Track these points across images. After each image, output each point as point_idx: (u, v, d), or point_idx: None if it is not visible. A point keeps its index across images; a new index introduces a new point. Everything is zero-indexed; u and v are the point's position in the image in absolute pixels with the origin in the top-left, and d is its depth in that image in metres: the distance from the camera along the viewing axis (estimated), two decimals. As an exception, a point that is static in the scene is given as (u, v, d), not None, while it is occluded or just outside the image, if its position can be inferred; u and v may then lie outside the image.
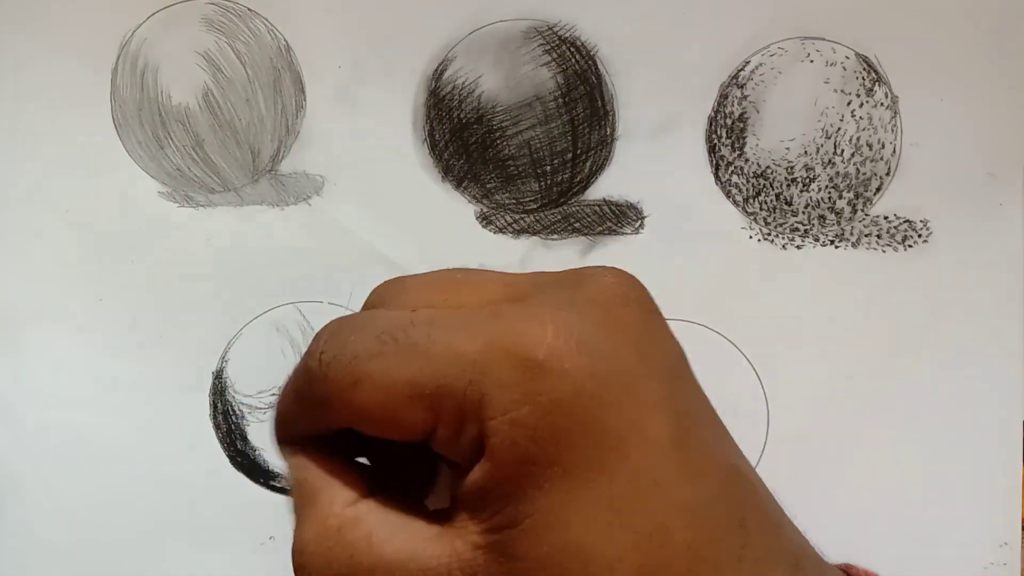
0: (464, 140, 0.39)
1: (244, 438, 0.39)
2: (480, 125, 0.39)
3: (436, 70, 0.39)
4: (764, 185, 0.39)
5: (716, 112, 0.39)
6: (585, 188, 0.40)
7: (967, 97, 0.38)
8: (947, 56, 0.38)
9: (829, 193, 0.39)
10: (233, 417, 0.39)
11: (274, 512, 0.38)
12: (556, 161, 0.39)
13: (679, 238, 0.39)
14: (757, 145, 0.39)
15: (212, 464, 0.38)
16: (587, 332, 0.19)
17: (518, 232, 0.40)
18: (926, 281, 0.39)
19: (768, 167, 0.39)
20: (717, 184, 0.39)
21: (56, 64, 0.39)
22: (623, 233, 0.39)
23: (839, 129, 0.39)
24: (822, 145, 0.39)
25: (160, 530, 0.38)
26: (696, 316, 0.39)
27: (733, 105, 0.39)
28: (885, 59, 0.39)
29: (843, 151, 0.39)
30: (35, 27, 0.39)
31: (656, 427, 0.19)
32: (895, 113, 0.39)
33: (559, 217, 0.40)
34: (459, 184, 0.40)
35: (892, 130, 0.39)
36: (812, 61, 0.39)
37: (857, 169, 0.39)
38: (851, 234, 0.39)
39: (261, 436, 0.39)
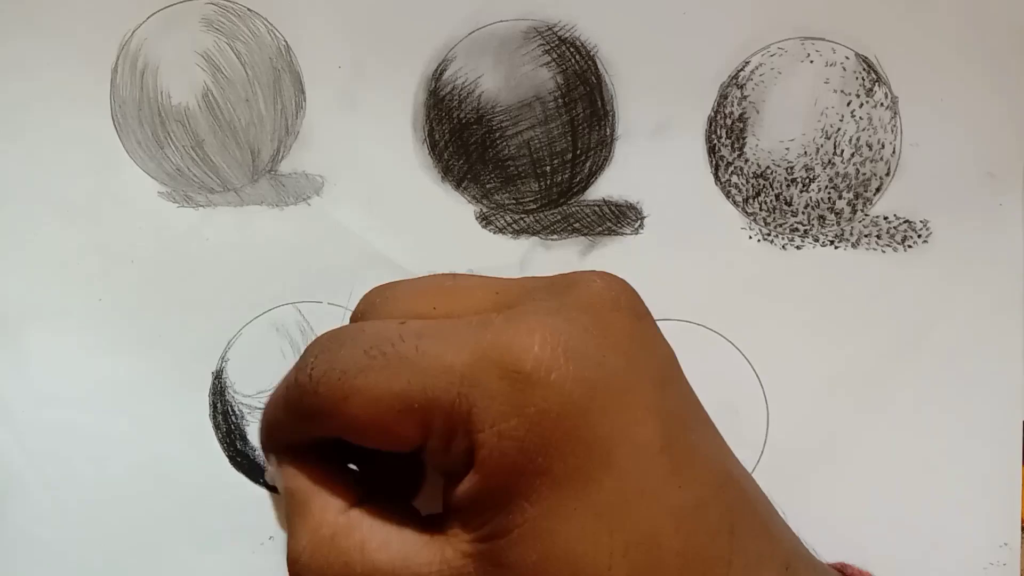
0: (464, 140, 0.39)
1: (244, 438, 0.39)
2: (480, 125, 0.39)
3: (436, 70, 0.39)
4: (764, 185, 0.39)
5: (716, 112, 0.39)
6: (585, 188, 0.40)
7: (967, 97, 0.38)
8: (947, 56, 0.38)
9: (829, 193, 0.39)
10: (233, 417, 0.39)
11: (274, 513, 0.38)
12: (556, 161, 0.39)
13: (679, 238, 0.39)
14: (757, 145, 0.39)
15: (212, 464, 0.38)
16: (575, 339, 0.19)
17: (518, 232, 0.40)
18: (926, 281, 0.39)
19: (768, 167, 0.39)
20: (717, 184, 0.39)
21: (56, 64, 0.39)
22: (623, 233, 0.40)
23: (839, 129, 0.39)
24: (822, 145, 0.39)
25: (159, 530, 0.38)
26: (696, 316, 0.39)
27: (733, 105, 0.39)
28: (885, 59, 0.39)
29: (843, 151, 0.39)
30: (35, 27, 0.39)
31: (645, 433, 0.19)
32: (895, 113, 0.39)
33: (559, 217, 0.40)
34: (459, 184, 0.40)
35: (892, 130, 0.39)
36: (812, 61, 0.39)
37: (857, 169, 0.39)
38: (851, 234, 0.39)
39: (261, 436, 0.39)
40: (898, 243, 0.39)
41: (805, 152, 0.39)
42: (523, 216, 0.40)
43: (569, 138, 0.39)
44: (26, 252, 0.39)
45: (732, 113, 0.39)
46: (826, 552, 0.36)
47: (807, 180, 0.39)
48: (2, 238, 0.39)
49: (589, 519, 0.18)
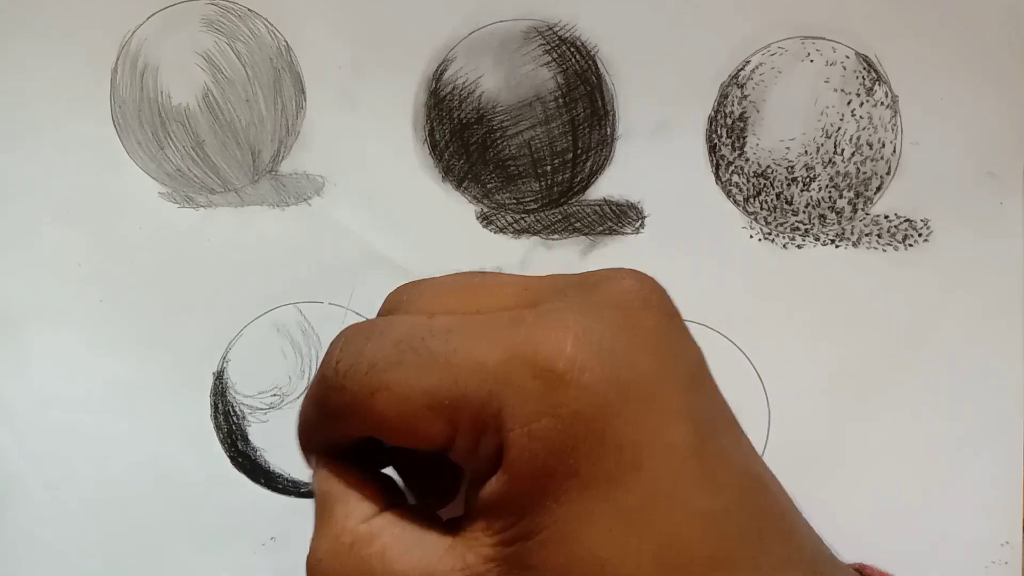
0: (464, 140, 0.39)
1: (245, 439, 0.39)
2: (480, 125, 0.39)
3: (436, 70, 0.39)
4: (764, 184, 0.39)
5: (716, 112, 0.39)
6: (585, 188, 0.40)
7: (967, 96, 0.38)
8: (947, 56, 0.38)
9: (829, 192, 0.39)
10: (234, 418, 0.39)
11: (275, 513, 0.38)
12: (556, 161, 0.39)
13: (680, 238, 0.39)
14: (757, 145, 0.39)
15: (213, 465, 0.38)
16: (607, 339, 0.19)
17: (518, 232, 0.40)
18: (927, 280, 0.39)
19: (768, 166, 0.39)
20: (717, 184, 0.39)
21: (56, 64, 0.39)
22: (623, 233, 0.39)
23: (839, 128, 0.39)
24: (822, 144, 0.39)
25: (161, 531, 0.38)
26: (697, 315, 0.39)
27: (733, 105, 0.39)
28: (885, 58, 0.39)
29: (843, 150, 0.39)
30: (35, 27, 0.39)
31: (675, 436, 0.19)
32: (895, 112, 0.39)
33: (559, 217, 0.40)
34: (459, 184, 0.40)
35: (892, 129, 0.39)
36: (812, 60, 0.39)
37: (857, 168, 0.39)
38: (852, 233, 0.39)
39: (262, 437, 0.39)
40: (899, 242, 0.39)
41: (806, 151, 0.39)
42: (524, 216, 0.40)
43: (570, 138, 0.39)
44: (27, 253, 0.39)
45: (732, 112, 0.39)
46: (828, 551, 0.36)
47: (808, 179, 0.39)
48: (3, 239, 0.39)
49: (617, 522, 0.18)
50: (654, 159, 0.39)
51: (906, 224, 0.39)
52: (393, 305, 0.24)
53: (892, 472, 0.38)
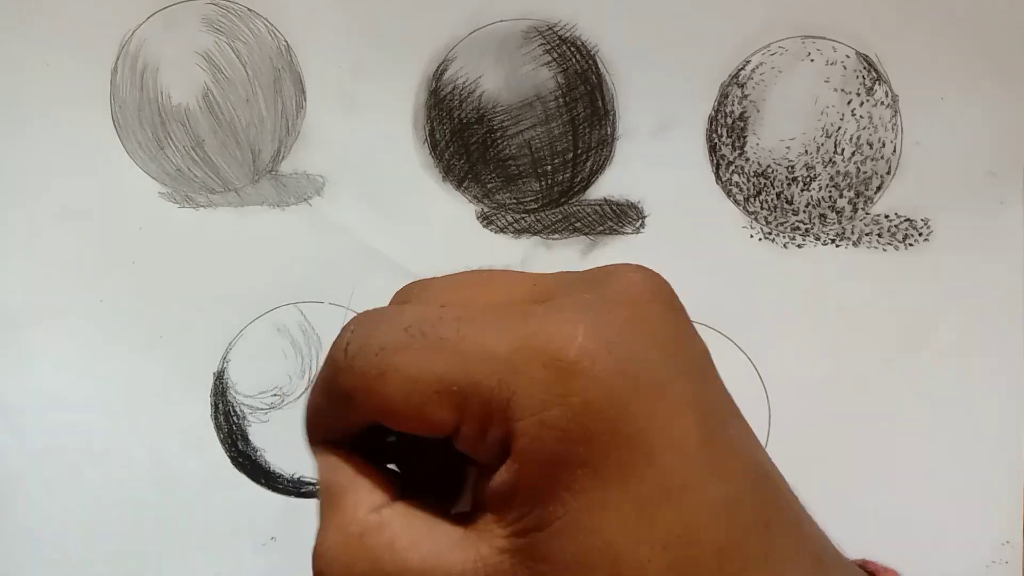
0: (465, 140, 0.39)
1: (245, 439, 0.39)
2: (481, 125, 0.39)
3: (436, 70, 0.39)
4: (765, 184, 0.39)
5: (716, 111, 0.39)
6: (586, 188, 0.39)
7: (967, 96, 0.38)
8: (947, 55, 0.38)
9: (830, 192, 0.39)
10: (234, 418, 0.39)
11: (276, 513, 0.38)
12: (557, 161, 0.39)
13: (680, 237, 0.39)
14: (758, 144, 0.39)
15: (213, 465, 0.38)
16: (616, 332, 0.19)
17: (519, 232, 0.40)
18: (927, 280, 0.39)
19: (769, 166, 0.39)
20: (718, 183, 0.39)
21: (56, 64, 0.39)
22: (624, 233, 0.39)
23: (839, 128, 0.39)
24: (823, 144, 0.39)
25: (161, 531, 0.38)
26: (697, 315, 0.38)
27: (733, 104, 0.39)
28: (885, 58, 0.39)
29: (844, 150, 0.39)
30: (35, 27, 0.39)
31: (684, 427, 0.19)
32: (895, 112, 0.39)
33: (560, 217, 0.40)
34: (460, 184, 0.40)
35: (893, 129, 0.39)
36: (812, 60, 0.39)
37: (858, 168, 0.39)
38: (852, 233, 0.39)
39: (262, 437, 0.39)
40: (899, 241, 0.39)
41: (806, 151, 0.39)
42: (524, 216, 0.40)
43: (570, 138, 0.39)
44: (27, 253, 0.39)
45: (733, 112, 0.39)
46: (828, 551, 0.36)
47: (808, 179, 0.39)
48: (3, 239, 0.39)
49: (629, 512, 0.18)
50: (654, 159, 0.39)
51: (906, 224, 0.39)
52: (403, 298, 0.24)
53: (892, 472, 0.38)
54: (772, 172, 0.39)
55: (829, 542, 0.22)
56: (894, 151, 0.39)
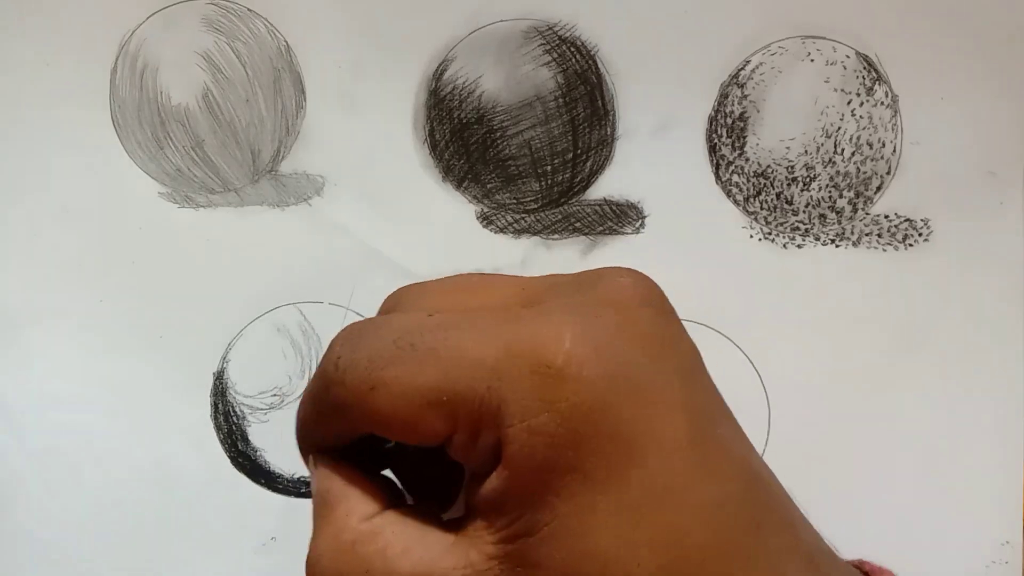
0: (465, 140, 0.39)
1: (245, 439, 0.39)
2: (480, 125, 0.39)
3: (436, 70, 0.39)
4: (765, 184, 0.39)
5: (716, 111, 0.39)
6: (586, 188, 0.40)
7: (967, 96, 0.38)
8: (947, 55, 0.38)
9: (830, 192, 0.39)
10: (234, 418, 0.39)
11: (276, 513, 0.38)
12: (556, 161, 0.39)
13: (680, 237, 0.39)
14: (757, 144, 0.39)
15: (213, 465, 0.38)
16: (604, 336, 0.19)
17: (519, 232, 0.40)
18: (927, 280, 0.39)
19: (768, 166, 0.39)
20: (718, 183, 0.39)
21: (56, 64, 0.39)
22: (624, 233, 0.39)
23: (839, 128, 0.39)
24: (822, 144, 0.39)
25: (161, 531, 0.38)
26: (697, 315, 0.39)
27: (733, 104, 0.39)
28: (885, 58, 0.39)
29: (843, 150, 0.39)
30: (34, 27, 0.39)
31: (673, 429, 0.19)
32: (895, 112, 0.39)
33: (560, 217, 0.40)
34: (460, 184, 0.40)
35: (892, 129, 0.39)
36: (812, 60, 0.39)
37: (858, 168, 0.39)
38: (852, 233, 0.39)
39: (262, 437, 0.39)
40: (899, 242, 0.39)
41: (806, 151, 0.39)
42: (524, 216, 0.40)
43: (570, 138, 0.39)
44: (27, 253, 0.39)
45: (733, 112, 0.39)
46: (828, 551, 0.36)
47: (808, 179, 0.39)
48: (3, 239, 0.39)
49: (619, 516, 0.18)
50: (654, 159, 0.39)
51: (906, 224, 0.39)
52: (392, 305, 0.24)
53: (892, 472, 0.38)
54: (772, 172, 0.39)
55: (823, 543, 0.22)
56: (894, 151, 0.39)
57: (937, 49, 0.38)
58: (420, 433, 0.20)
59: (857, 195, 0.39)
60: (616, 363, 0.19)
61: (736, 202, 0.39)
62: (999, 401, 0.38)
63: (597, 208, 0.39)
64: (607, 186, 0.39)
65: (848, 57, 0.39)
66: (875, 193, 0.39)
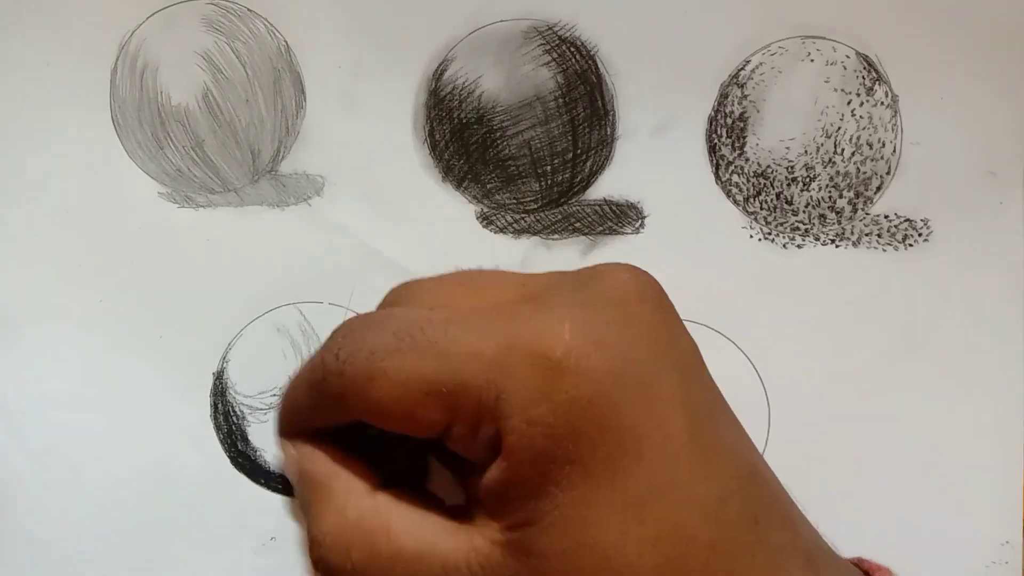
0: (464, 140, 0.39)
1: (245, 439, 0.39)
2: (480, 125, 0.39)
3: (436, 70, 0.39)
4: (764, 184, 0.39)
5: (716, 111, 0.39)
6: (585, 188, 0.40)
7: (968, 96, 0.38)
8: (947, 55, 0.38)
9: (829, 192, 0.39)
10: (234, 418, 0.39)
11: (276, 513, 0.38)
12: (556, 161, 0.39)
13: (680, 237, 0.39)
14: (757, 144, 0.39)
15: (213, 465, 0.38)
16: (604, 330, 0.19)
17: (519, 232, 0.40)
18: (927, 280, 0.39)
19: (768, 166, 0.39)
20: (717, 183, 0.39)
21: (55, 64, 0.39)
22: (624, 233, 0.39)
23: (839, 128, 0.39)
24: (822, 144, 0.39)
25: (160, 531, 0.38)
26: (696, 315, 0.39)
27: (733, 104, 0.39)
28: (885, 58, 0.39)
29: (843, 150, 0.39)
30: (34, 27, 0.39)
31: (672, 424, 0.19)
32: (895, 112, 0.39)
33: (559, 217, 0.40)
34: (460, 184, 0.40)
35: (892, 129, 0.39)
36: (812, 60, 0.39)
37: (857, 168, 0.39)
38: (852, 233, 0.39)
39: (262, 437, 0.39)
40: (899, 242, 0.39)
41: (806, 151, 0.39)
42: (524, 216, 0.40)
43: (570, 138, 0.39)
44: (27, 253, 0.39)
45: (733, 112, 0.39)
46: (828, 551, 0.36)
47: (808, 179, 0.39)
48: (3, 239, 0.39)
49: (619, 508, 0.18)
50: (654, 159, 0.39)
51: (906, 224, 0.39)
52: (393, 300, 0.24)
53: (892, 472, 0.38)
54: (772, 172, 0.39)
55: (822, 540, 0.22)
56: (894, 151, 0.39)
57: (937, 49, 0.38)
58: (418, 424, 0.20)
59: (857, 195, 0.39)
60: (615, 357, 0.19)
61: (736, 202, 0.39)
62: (999, 401, 0.38)
63: (597, 208, 0.39)
64: (607, 186, 0.39)
65: (848, 57, 0.39)
66: (875, 193, 0.39)
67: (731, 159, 0.39)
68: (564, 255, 0.39)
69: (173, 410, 0.38)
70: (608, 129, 0.39)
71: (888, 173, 0.39)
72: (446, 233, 0.39)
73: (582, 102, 0.39)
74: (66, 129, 0.39)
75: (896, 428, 0.38)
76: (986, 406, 0.38)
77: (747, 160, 0.39)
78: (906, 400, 0.39)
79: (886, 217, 0.39)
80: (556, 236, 0.40)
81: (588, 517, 0.18)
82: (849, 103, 0.39)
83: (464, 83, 0.39)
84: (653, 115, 0.39)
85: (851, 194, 0.39)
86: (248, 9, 0.39)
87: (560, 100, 0.39)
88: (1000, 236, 0.39)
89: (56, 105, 0.39)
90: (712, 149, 0.39)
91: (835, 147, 0.39)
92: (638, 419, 0.19)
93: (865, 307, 0.39)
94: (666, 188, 0.39)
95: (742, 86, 0.39)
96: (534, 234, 0.40)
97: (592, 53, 0.39)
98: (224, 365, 0.39)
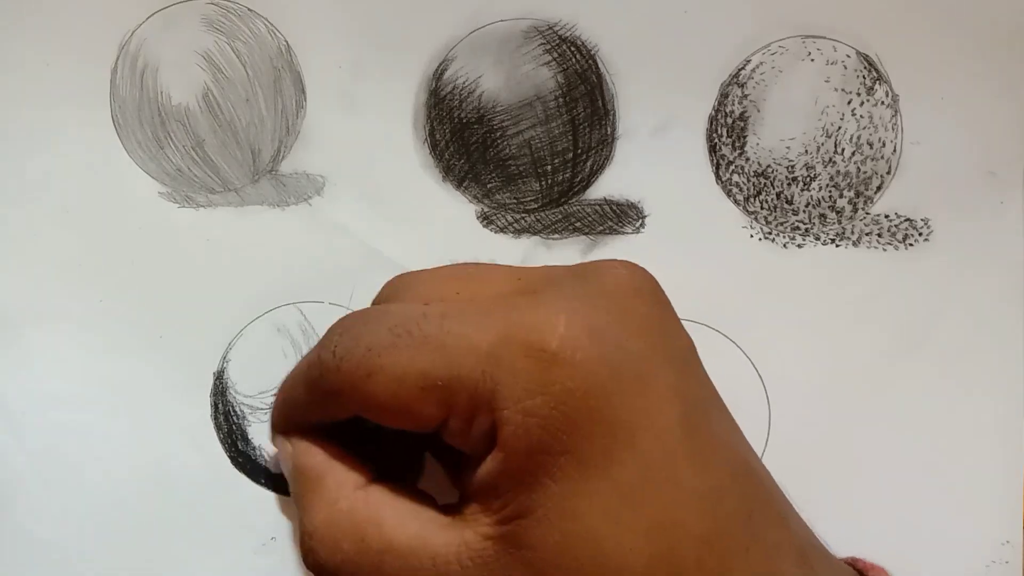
0: (465, 140, 0.39)
1: (245, 439, 0.39)
2: (481, 125, 0.39)
3: (436, 70, 0.39)
4: (765, 184, 0.39)
5: (716, 111, 0.39)
6: (586, 188, 0.40)
7: (968, 95, 0.38)
8: (948, 54, 0.38)
9: (830, 192, 0.39)
10: (234, 418, 0.39)
11: (276, 513, 0.38)
12: (557, 161, 0.39)
13: (680, 237, 0.39)
14: (758, 144, 0.39)
15: (213, 465, 0.38)
16: (599, 322, 0.19)
17: (519, 232, 0.40)
18: (927, 279, 0.39)
19: (769, 166, 0.39)
20: (718, 183, 0.39)
21: (55, 64, 0.39)
22: (624, 232, 0.39)
23: (840, 128, 0.39)
24: (823, 144, 0.39)
25: (160, 531, 0.38)
26: (697, 315, 0.39)
27: (734, 104, 0.39)
28: (886, 58, 0.39)
29: (844, 150, 0.39)
30: (34, 27, 0.39)
31: (667, 417, 0.19)
32: (896, 112, 0.39)
33: (560, 217, 0.40)
34: (460, 184, 0.40)
35: (893, 128, 0.39)
36: (813, 60, 0.39)
37: (858, 168, 0.39)
38: (852, 233, 0.39)
39: (262, 437, 0.39)
40: (899, 241, 0.39)
41: (806, 151, 0.39)
42: (524, 216, 0.40)
43: (570, 137, 0.39)
44: (26, 253, 0.39)
45: (733, 112, 0.39)
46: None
47: (808, 179, 0.39)
48: (3, 239, 0.39)
49: (612, 500, 0.18)
50: (654, 159, 0.39)
51: (906, 223, 0.39)
52: (389, 294, 0.24)
53: (892, 472, 0.38)
54: (772, 172, 0.39)
55: (815, 538, 0.22)
56: (894, 151, 0.39)
57: (937, 49, 0.38)
58: (415, 418, 0.20)
59: (857, 195, 0.39)
60: (611, 350, 0.19)
61: (736, 202, 0.39)
62: (999, 401, 0.38)
63: (597, 208, 0.39)
64: (607, 186, 0.39)
65: (848, 57, 0.39)
66: (875, 193, 0.39)
67: (731, 159, 0.39)
68: (564, 255, 0.40)
69: (173, 410, 0.38)
70: (608, 129, 0.39)
71: (888, 173, 0.39)
72: (446, 233, 0.39)
73: (582, 102, 0.39)
74: (66, 129, 0.39)
75: (896, 428, 0.38)
76: (986, 406, 0.38)
77: (747, 160, 0.39)
78: (906, 400, 0.39)
79: (886, 217, 0.39)
80: (556, 236, 0.40)
81: (581, 508, 0.18)
82: (849, 103, 0.39)
83: (464, 83, 0.39)
84: (653, 115, 0.39)
85: (851, 194, 0.39)
86: (248, 9, 0.39)
87: (560, 100, 0.39)
88: (1000, 236, 0.39)
89: (56, 105, 0.39)
90: (712, 149, 0.39)
91: (835, 147, 0.39)
92: (633, 411, 0.19)
93: (865, 307, 0.39)
94: (666, 188, 0.39)
95: (742, 86, 0.39)
96: (534, 234, 0.40)
97: (592, 53, 0.39)
98: (224, 365, 0.39)
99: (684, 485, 0.19)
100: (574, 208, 0.40)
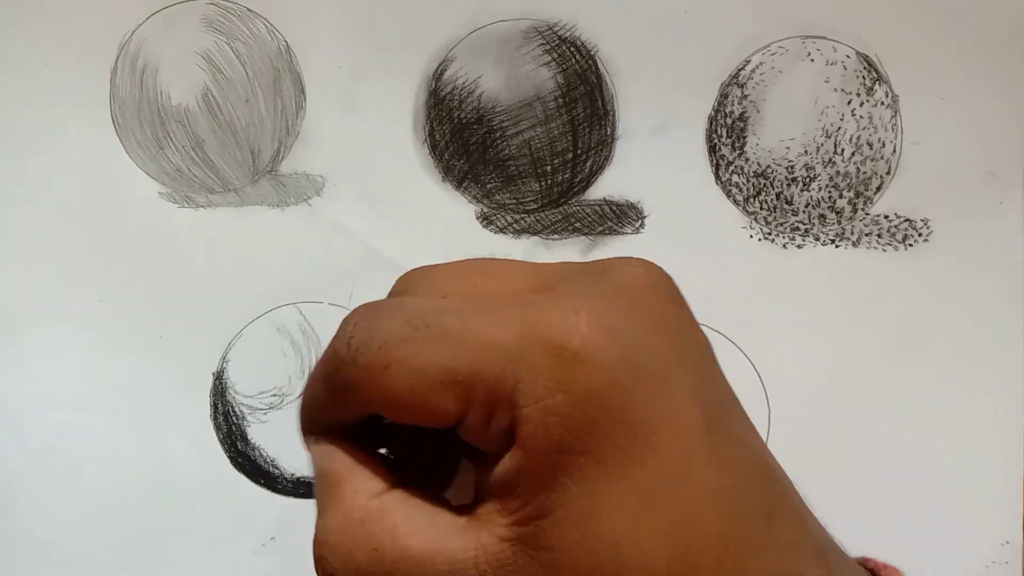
0: (464, 140, 0.39)
1: (245, 439, 0.39)
2: (480, 125, 0.39)
3: (436, 70, 0.39)
4: (764, 184, 0.39)
5: (716, 111, 0.39)
6: (585, 188, 0.39)
7: (968, 96, 0.38)
8: (947, 55, 0.38)
9: (829, 192, 0.39)
10: (234, 418, 0.39)
11: (275, 513, 0.38)
12: (556, 161, 0.39)
13: (680, 237, 0.39)
14: (757, 144, 0.39)
15: (213, 465, 0.38)
16: (619, 321, 0.19)
17: (519, 232, 0.40)
18: (927, 280, 0.39)
19: (768, 166, 0.39)
20: (717, 183, 0.39)
21: (56, 64, 0.39)
22: (624, 233, 0.39)
23: (839, 128, 0.39)
24: (822, 144, 0.39)
25: (160, 531, 0.38)
26: (697, 315, 0.38)
27: (733, 104, 0.39)
28: (886, 58, 0.39)
29: (843, 150, 0.39)
30: (34, 27, 0.39)
31: (687, 416, 0.19)
32: (895, 112, 0.39)
33: (559, 217, 0.40)
34: (459, 184, 0.40)
35: (892, 129, 0.39)
36: (813, 60, 0.39)
37: (857, 168, 0.39)
38: (852, 233, 0.39)
39: (262, 437, 0.39)
40: (899, 242, 0.39)
41: (806, 151, 0.39)
42: (524, 216, 0.40)
43: (570, 138, 0.39)
44: (27, 253, 0.39)
45: (733, 112, 0.39)
46: (828, 551, 0.36)
47: (808, 179, 0.39)
48: (3, 239, 0.39)
49: (632, 500, 0.18)
50: (654, 159, 0.39)
51: (906, 224, 0.39)
52: (404, 287, 0.24)
53: (892, 472, 0.38)
54: (772, 172, 0.39)
55: (830, 537, 0.22)
56: (894, 151, 0.39)
57: (937, 49, 0.38)
58: (432, 413, 0.20)
59: (857, 195, 0.39)
60: (632, 348, 0.19)
61: (736, 202, 0.39)
62: (999, 401, 0.38)
63: (597, 208, 0.39)
64: (607, 186, 0.39)
65: (848, 57, 0.39)
66: (875, 193, 0.39)
67: (731, 159, 0.39)
68: (564, 255, 0.39)
69: (173, 410, 0.38)
70: (608, 129, 0.39)
71: (888, 173, 0.39)
72: (446, 233, 0.39)
73: (582, 102, 0.39)
74: (66, 129, 0.39)
75: (896, 428, 0.38)
76: (986, 406, 0.38)
77: (747, 160, 0.39)
78: (906, 400, 0.39)
79: (886, 217, 0.39)
80: (556, 236, 0.40)
81: (601, 508, 0.18)
82: (849, 103, 0.39)
83: (464, 83, 0.39)
84: (653, 115, 0.39)
85: (851, 194, 0.39)
86: (248, 9, 0.39)
87: (560, 100, 0.39)
88: (1000, 236, 0.39)
89: (56, 105, 0.39)
90: (712, 149, 0.39)
91: (835, 147, 0.39)
92: (653, 410, 0.19)
93: (865, 307, 0.39)
94: (666, 188, 0.39)
95: (742, 86, 0.39)
96: (534, 234, 0.40)
97: (592, 53, 0.39)
98: (224, 365, 0.39)
99: (703, 484, 0.19)
100: (574, 208, 0.39)
